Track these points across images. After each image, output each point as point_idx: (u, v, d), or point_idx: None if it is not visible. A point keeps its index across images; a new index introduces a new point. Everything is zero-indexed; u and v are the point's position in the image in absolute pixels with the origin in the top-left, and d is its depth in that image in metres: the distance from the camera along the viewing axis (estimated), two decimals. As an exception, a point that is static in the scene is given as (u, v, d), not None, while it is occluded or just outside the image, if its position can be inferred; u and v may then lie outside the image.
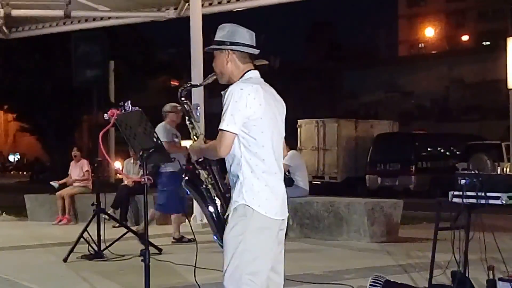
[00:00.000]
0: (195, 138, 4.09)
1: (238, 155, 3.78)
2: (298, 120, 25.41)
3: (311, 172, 22.49)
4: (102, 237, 8.56)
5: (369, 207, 9.86)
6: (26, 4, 14.44)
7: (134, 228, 9.90)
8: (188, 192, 4.09)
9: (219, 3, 13.59)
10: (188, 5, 12.84)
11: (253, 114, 3.73)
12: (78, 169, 13.39)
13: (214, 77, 4.08)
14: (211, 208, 4.00)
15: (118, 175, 24.19)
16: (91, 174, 13.10)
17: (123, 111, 5.14)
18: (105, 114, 5.12)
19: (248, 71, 3.92)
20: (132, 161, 12.84)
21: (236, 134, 3.73)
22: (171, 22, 14.40)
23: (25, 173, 49.57)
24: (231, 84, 3.87)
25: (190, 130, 4.16)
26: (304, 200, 10.58)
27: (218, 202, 3.99)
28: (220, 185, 3.99)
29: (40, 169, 41.46)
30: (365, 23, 78.25)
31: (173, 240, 9.83)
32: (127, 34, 32.74)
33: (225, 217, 3.88)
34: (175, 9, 13.83)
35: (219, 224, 3.95)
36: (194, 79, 12.33)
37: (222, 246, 3.91)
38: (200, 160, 4.01)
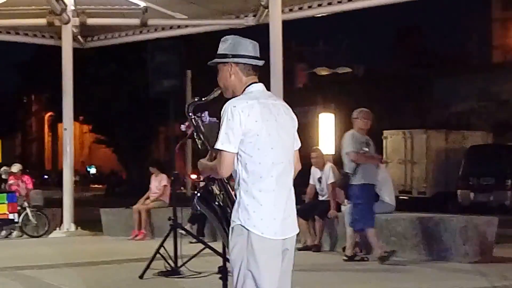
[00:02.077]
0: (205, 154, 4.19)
1: (237, 173, 3.86)
2: (384, 131, 25.13)
3: (398, 186, 22.20)
4: (178, 253, 8.66)
5: (461, 224, 9.66)
6: (102, 12, 14.82)
7: (211, 244, 9.97)
8: (199, 209, 4.16)
9: (300, 8, 13.61)
10: (268, 11, 12.91)
11: (248, 131, 3.80)
12: (157, 183, 13.61)
13: (219, 91, 4.15)
14: (224, 225, 4.04)
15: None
16: (169, 188, 13.25)
17: (200, 122, 5.20)
18: (182, 126, 5.20)
19: (250, 84, 3.97)
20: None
21: (234, 153, 3.80)
22: (250, 29, 14.52)
23: (100, 186, 50.72)
24: (235, 97, 3.95)
25: (200, 146, 4.26)
26: (390, 216, 10.43)
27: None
28: (232, 201, 4.02)
29: (116, 182, 42.32)
30: (455, 28, 77.00)
31: (378, 258, 9.45)
32: (205, 42, 33.18)
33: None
34: (254, 15, 13.95)
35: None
36: (274, 87, 12.39)
37: None
38: (209, 177, 4.07)
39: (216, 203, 4.07)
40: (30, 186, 15.07)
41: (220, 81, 4.07)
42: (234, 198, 3.94)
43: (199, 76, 29.37)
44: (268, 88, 12.52)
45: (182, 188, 25.43)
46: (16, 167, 15.13)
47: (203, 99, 4.40)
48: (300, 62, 54.41)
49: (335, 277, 8.69)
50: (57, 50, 15.33)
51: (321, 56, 55.93)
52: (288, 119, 3.98)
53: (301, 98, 42.17)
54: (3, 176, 15.87)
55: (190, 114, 4.33)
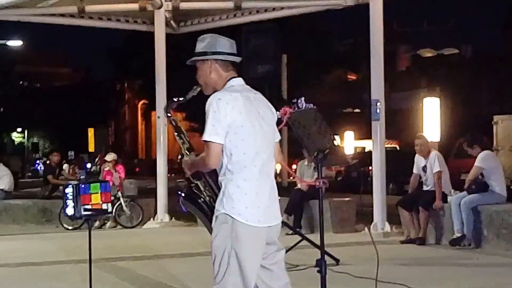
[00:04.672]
0: (187, 153, 4.44)
1: (223, 164, 4.17)
2: (494, 116, 24.50)
3: (510, 175, 21.62)
4: (275, 245, 8.70)
5: None
6: (196, -4, 14.96)
7: (309, 236, 9.98)
8: (185, 209, 4.46)
9: (402, -14, 13.37)
10: (368, -10, 12.75)
11: (233, 122, 4.11)
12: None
13: (199, 89, 4.44)
14: (212, 221, 4.28)
15: (291, 178, 24.52)
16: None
17: (296, 108, 5.21)
18: (277, 112, 5.21)
19: (230, 79, 4.31)
20: (306, 163, 12.97)
21: (221, 144, 4.11)
22: (349, 10, 14.38)
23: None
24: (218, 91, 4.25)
25: (181, 145, 4.50)
26: (501, 207, 10.19)
27: None
28: (217, 196, 4.25)
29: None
30: None
31: None
32: (300, 25, 33.12)
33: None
34: (353, -5, 13.78)
35: None
36: (374, 71, 12.26)
37: None
38: (195, 173, 4.33)
39: (202, 199, 4.35)
40: (123, 175, 15.41)
41: (200, 78, 4.40)
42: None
43: (295, 60, 29.40)
44: (369, 72, 12.38)
45: (277, 177, 25.57)
46: (110, 156, 15.52)
47: (181, 99, 4.70)
48: (403, 43, 53.60)
49: (441, 271, 8.56)
50: (150, 36, 15.59)
51: (425, 37, 54.94)
52: (268, 111, 4.35)
53: (403, 82, 41.61)
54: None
55: (169, 114, 4.62)
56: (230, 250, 4.13)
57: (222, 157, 4.15)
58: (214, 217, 4.19)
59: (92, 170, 18.70)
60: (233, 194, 4.11)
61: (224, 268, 4.17)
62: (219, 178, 4.22)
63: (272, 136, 4.34)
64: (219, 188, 4.24)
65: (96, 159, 18.54)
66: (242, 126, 4.13)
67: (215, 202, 4.28)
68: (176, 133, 4.58)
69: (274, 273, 4.31)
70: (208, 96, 4.28)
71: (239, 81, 4.34)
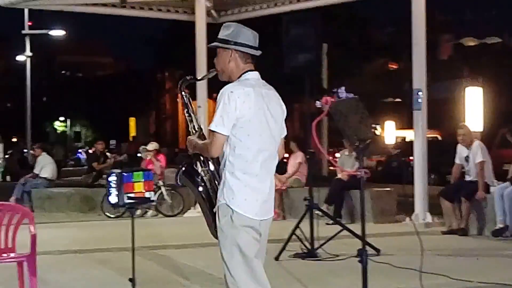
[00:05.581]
0: (193, 131, 4.53)
1: (225, 155, 4.27)
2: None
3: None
4: (315, 235, 8.71)
5: None
6: (236, -15, 14.97)
7: (349, 226, 9.96)
8: (179, 182, 4.50)
9: (445, -26, 13.23)
10: (409, -22, 12.64)
11: (242, 116, 4.20)
12: (293, 160, 13.73)
13: (215, 73, 4.48)
14: (204, 199, 4.45)
15: (331, 168, 24.45)
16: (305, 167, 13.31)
17: (337, 98, 5.21)
18: (318, 102, 5.24)
19: (246, 71, 4.36)
20: (347, 152, 12.93)
21: (226, 135, 4.21)
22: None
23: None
24: (231, 81, 4.34)
25: (189, 122, 4.59)
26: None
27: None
28: (216, 177, 4.41)
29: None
30: None
31: None
32: (341, 14, 32.93)
33: (214, 210, 4.35)
34: (394, -16, 13.68)
35: (213, 216, 4.38)
36: (415, 61, 12.17)
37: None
38: (196, 154, 4.44)
39: (200, 177, 4.45)
40: (164, 164, 15.51)
41: (218, 64, 4.44)
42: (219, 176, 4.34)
43: (336, 50, 29.26)
44: (411, 61, 12.22)
45: (318, 167, 25.48)
46: (152, 146, 15.63)
47: (198, 78, 4.84)
48: (445, 32, 52.98)
49: (483, 262, 8.49)
50: (191, 25, 15.64)
51: (468, 26, 54.25)
52: (278, 108, 4.41)
53: (445, 71, 41.16)
54: (141, 155, 16.48)
55: (183, 91, 4.71)
56: (231, 240, 4.24)
57: (225, 148, 4.26)
58: (217, 207, 4.30)
59: (121, 159, 18.91)
60: (233, 185, 4.22)
61: (230, 255, 4.25)
62: (221, 167, 4.31)
63: (278, 134, 4.42)
64: (218, 173, 4.36)
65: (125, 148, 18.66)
66: (249, 121, 4.22)
67: (211, 183, 4.41)
68: (185, 110, 4.67)
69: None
70: (223, 83, 4.34)
71: (254, 74, 4.38)
